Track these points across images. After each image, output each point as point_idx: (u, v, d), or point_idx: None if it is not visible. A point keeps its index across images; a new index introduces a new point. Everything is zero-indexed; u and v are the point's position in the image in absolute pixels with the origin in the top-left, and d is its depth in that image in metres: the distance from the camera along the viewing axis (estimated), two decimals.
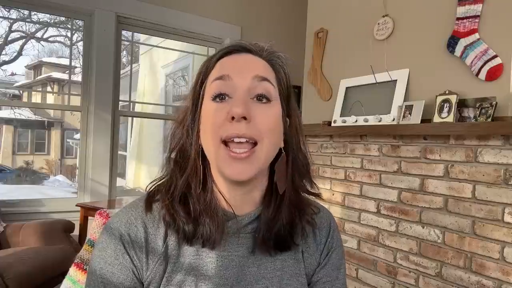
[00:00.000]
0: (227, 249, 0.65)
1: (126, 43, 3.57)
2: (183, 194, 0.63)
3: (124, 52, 6.07)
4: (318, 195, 0.74)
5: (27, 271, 1.91)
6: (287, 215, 0.66)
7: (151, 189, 0.68)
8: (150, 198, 0.67)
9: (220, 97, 0.61)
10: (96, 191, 2.77)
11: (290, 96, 0.68)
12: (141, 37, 4.53)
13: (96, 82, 2.74)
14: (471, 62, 1.74)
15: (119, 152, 3.09)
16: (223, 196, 0.64)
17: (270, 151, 0.62)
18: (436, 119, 1.81)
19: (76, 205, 2.44)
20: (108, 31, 2.76)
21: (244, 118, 0.58)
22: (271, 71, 0.65)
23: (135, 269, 0.62)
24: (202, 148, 0.64)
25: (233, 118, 0.58)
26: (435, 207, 1.84)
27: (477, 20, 1.74)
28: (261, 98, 0.61)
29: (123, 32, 2.96)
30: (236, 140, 0.58)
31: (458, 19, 1.81)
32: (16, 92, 11.01)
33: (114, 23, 2.79)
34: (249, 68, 0.62)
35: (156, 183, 0.68)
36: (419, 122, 1.87)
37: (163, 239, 0.64)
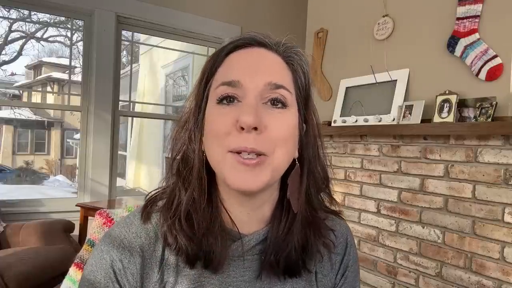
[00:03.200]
0: (232, 274, 0.58)
1: (126, 43, 3.57)
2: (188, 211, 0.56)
3: (124, 52, 6.08)
4: (337, 213, 0.66)
5: (27, 271, 1.91)
6: (300, 236, 0.58)
7: (150, 197, 0.61)
8: (148, 209, 0.60)
9: (227, 99, 0.53)
10: (96, 191, 2.77)
11: (309, 99, 0.60)
12: (141, 37, 4.53)
13: (96, 82, 2.74)
14: (471, 62, 1.74)
15: (119, 152, 3.10)
16: (228, 214, 0.57)
17: (283, 162, 0.55)
18: (436, 119, 1.81)
19: (76, 205, 2.44)
20: (108, 31, 2.76)
21: (255, 128, 0.50)
22: (288, 71, 0.57)
23: None
24: (206, 156, 0.56)
25: (242, 128, 0.50)
26: (435, 207, 1.84)
27: (477, 20, 1.74)
28: (276, 102, 0.54)
29: (123, 32, 2.96)
30: (244, 155, 0.51)
31: (458, 19, 1.81)
32: (16, 92, 11.02)
33: (114, 23, 2.78)
34: (262, 71, 0.54)
35: (158, 192, 0.62)
36: (419, 122, 1.87)
37: (159, 264, 0.57)
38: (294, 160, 0.58)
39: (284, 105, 0.54)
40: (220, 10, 3.19)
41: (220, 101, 0.53)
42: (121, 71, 3.19)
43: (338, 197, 2.37)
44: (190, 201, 0.55)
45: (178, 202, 0.56)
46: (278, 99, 0.54)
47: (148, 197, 0.62)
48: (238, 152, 0.51)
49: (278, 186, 0.60)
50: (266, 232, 0.59)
